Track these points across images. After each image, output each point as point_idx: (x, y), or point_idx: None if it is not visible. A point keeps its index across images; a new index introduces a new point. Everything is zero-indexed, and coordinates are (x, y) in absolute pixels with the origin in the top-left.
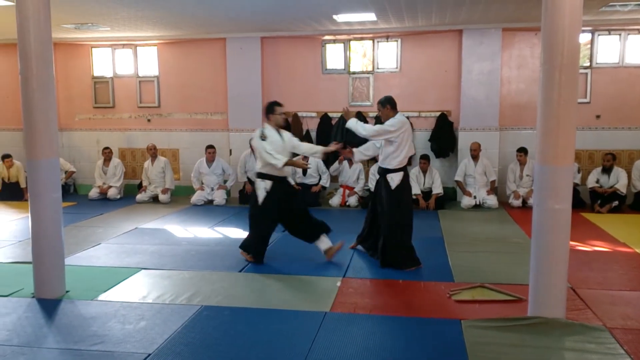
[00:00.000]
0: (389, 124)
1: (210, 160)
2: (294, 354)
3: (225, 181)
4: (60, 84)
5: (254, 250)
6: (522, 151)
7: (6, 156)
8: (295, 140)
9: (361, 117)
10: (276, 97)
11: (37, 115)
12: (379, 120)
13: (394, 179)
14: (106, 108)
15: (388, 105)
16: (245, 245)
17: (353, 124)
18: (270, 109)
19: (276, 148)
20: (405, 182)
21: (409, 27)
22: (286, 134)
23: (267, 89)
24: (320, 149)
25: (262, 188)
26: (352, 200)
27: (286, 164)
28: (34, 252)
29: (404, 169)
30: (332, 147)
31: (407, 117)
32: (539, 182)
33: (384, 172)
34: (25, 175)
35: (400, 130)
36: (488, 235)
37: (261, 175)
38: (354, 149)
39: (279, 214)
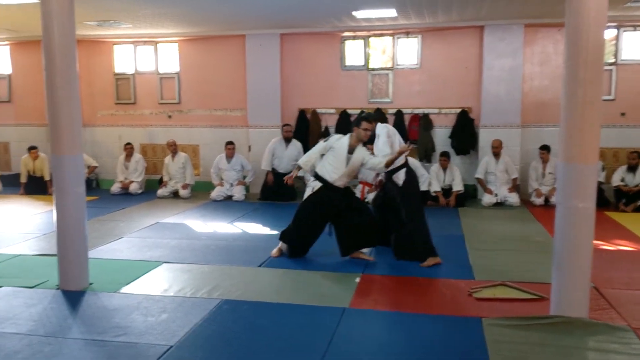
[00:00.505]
0: (383, 138)
1: (229, 156)
2: (313, 348)
3: (244, 177)
4: (82, 80)
5: (289, 240)
6: (545, 149)
7: (32, 147)
8: (369, 157)
9: (381, 113)
10: (295, 94)
11: (62, 111)
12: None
13: (399, 177)
14: (128, 104)
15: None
16: (282, 232)
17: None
18: (357, 121)
19: (334, 158)
20: (409, 175)
21: (429, 23)
22: (361, 151)
23: (286, 85)
24: (385, 161)
25: (311, 187)
26: (371, 197)
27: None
28: (59, 245)
29: (405, 165)
30: (397, 152)
31: (427, 114)
32: (562, 180)
33: (389, 175)
34: (50, 168)
35: (389, 135)
36: (509, 233)
37: (315, 175)
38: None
39: (321, 216)
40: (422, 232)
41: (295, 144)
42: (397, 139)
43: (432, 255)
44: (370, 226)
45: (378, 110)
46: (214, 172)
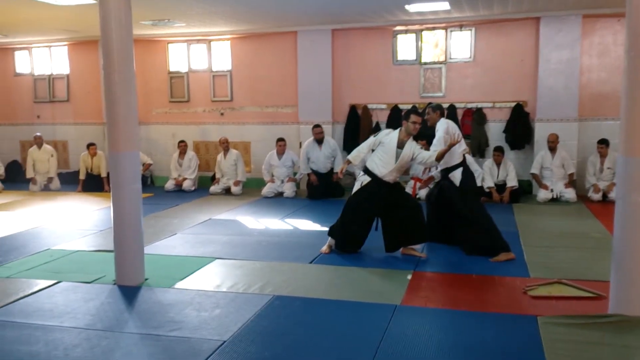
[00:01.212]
0: (440, 133)
1: (280, 153)
2: (365, 345)
3: (295, 173)
4: (138, 79)
5: (337, 235)
6: (604, 143)
7: (91, 144)
8: (419, 152)
9: (441, 107)
10: (346, 90)
11: (119, 109)
12: (425, 123)
13: (456, 176)
14: (181, 102)
15: (438, 112)
16: (331, 228)
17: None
18: (406, 115)
19: (384, 153)
20: (466, 174)
21: (483, 15)
22: (411, 145)
23: (337, 81)
24: (436, 155)
25: (360, 182)
26: (422, 193)
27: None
28: (116, 241)
29: (462, 164)
30: (448, 146)
31: (481, 108)
32: (622, 175)
33: (445, 172)
34: (107, 165)
35: (449, 130)
36: (566, 229)
37: (365, 170)
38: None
39: (368, 211)
40: (491, 227)
41: (329, 143)
42: (458, 135)
43: (505, 250)
44: (418, 222)
45: (439, 105)
46: (265, 169)
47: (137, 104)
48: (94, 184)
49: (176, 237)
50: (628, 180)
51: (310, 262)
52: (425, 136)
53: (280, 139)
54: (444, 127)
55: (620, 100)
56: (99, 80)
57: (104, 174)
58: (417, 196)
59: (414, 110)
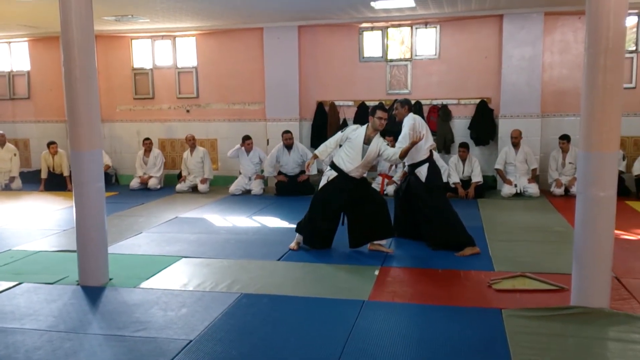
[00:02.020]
0: (405, 129)
1: (247, 150)
2: (333, 341)
3: (262, 171)
4: (101, 76)
5: (304, 232)
6: (565, 138)
7: (51, 143)
8: (385, 148)
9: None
10: (313, 87)
11: (80, 106)
12: (393, 119)
13: (422, 172)
14: (146, 99)
15: (406, 106)
16: (298, 223)
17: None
18: (372, 111)
19: (351, 149)
20: (432, 170)
21: (448, 13)
22: (377, 141)
23: (305, 78)
24: (400, 152)
25: (326, 177)
26: (390, 189)
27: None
28: (79, 241)
29: (429, 160)
30: (410, 143)
31: (446, 105)
32: (582, 169)
33: (411, 168)
34: (69, 164)
35: (415, 127)
36: (529, 224)
37: (331, 165)
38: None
39: (335, 206)
40: (456, 222)
41: (298, 148)
42: (420, 132)
43: (471, 245)
44: (383, 218)
45: (407, 100)
46: (231, 154)
47: (99, 101)
48: (56, 183)
49: (141, 236)
50: (588, 175)
51: (279, 260)
52: (391, 132)
53: (247, 137)
54: (410, 124)
55: (581, 96)
56: (61, 77)
57: (66, 173)
58: (385, 193)
59: (380, 106)
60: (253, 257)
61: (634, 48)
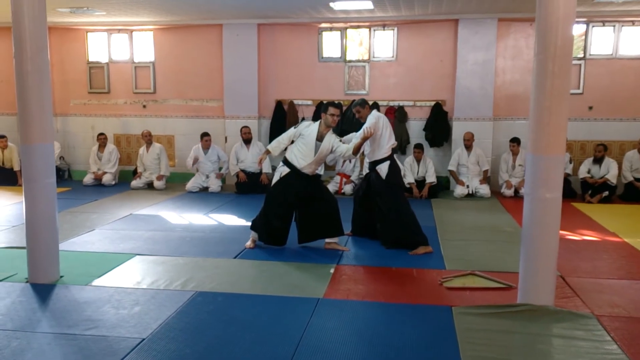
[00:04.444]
0: (367, 125)
1: (205, 148)
2: (287, 339)
3: (220, 168)
4: (55, 68)
5: (259, 229)
6: (515, 141)
7: (1, 136)
8: (338, 144)
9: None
10: (272, 85)
11: (32, 98)
12: (351, 118)
13: (382, 169)
14: (101, 93)
15: (367, 106)
16: (253, 221)
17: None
18: (325, 107)
19: (303, 145)
20: (393, 168)
21: (405, 15)
22: (330, 138)
23: (264, 76)
24: (352, 148)
25: (279, 173)
26: (348, 189)
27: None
28: (28, 237)
29: (390, 157)
30: (362, 139)
31: (402, 107)
32: (530, 172)
33: (372, 165)
34: (19, 158)
35: (378, 125)
36: (480, 224)
37: (284, 161)
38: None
39: (287, 203)
40: (412, 221)
41: (257, 144)
42: (389, 130)
43: (424, 244)
44: (333, 216)
45: (363, 100)
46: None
47: (51, 93)
48: (6, 178)
49: (94, 233)
50: (535, 177)
51: (235, 257)
52: (349, 132)
53: (205, 134)
54: (371, 122)
55: (530, 100)
56: (12, 68)
57: (16, 168)
58: (343, 192)
59: (332, 102)
60: (209, 255)
61: (582, 55)
